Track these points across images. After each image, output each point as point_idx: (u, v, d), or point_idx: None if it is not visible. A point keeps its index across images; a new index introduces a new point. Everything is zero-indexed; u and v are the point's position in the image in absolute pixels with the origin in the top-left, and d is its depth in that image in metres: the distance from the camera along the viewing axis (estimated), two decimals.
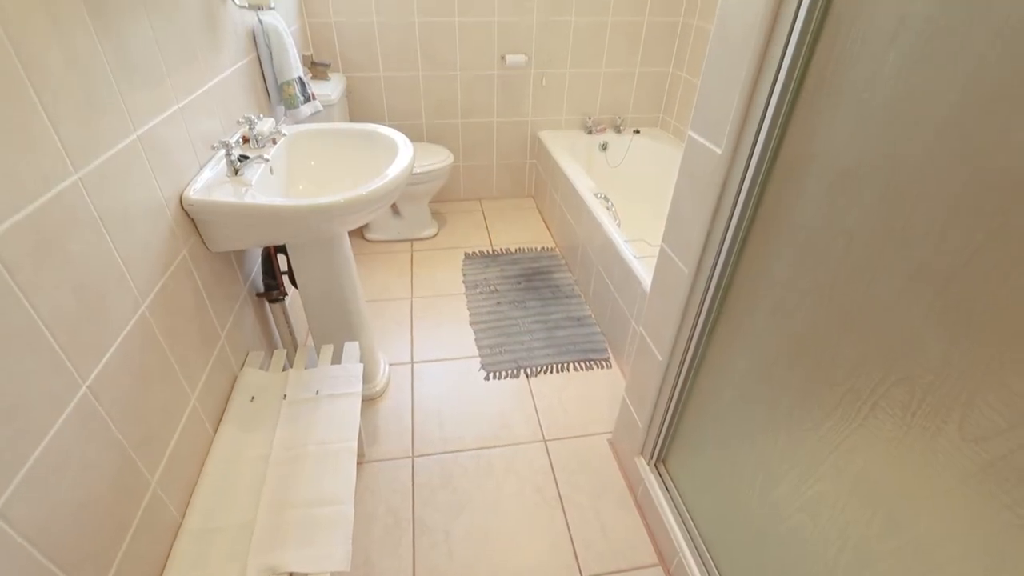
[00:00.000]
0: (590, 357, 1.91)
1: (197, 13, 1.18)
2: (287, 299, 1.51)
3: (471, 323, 2.07)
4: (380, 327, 2.04)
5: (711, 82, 0.88)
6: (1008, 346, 0.51)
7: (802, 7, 0.67)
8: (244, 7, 1.44)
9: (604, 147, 2.77)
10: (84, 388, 0.73)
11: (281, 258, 1.45)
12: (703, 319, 1.02)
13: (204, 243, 1.13)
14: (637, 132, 2.78)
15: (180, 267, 1.02)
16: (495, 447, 1.57)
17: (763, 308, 0.86)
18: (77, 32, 0.77)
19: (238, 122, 1.33)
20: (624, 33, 2.58)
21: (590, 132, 2.76)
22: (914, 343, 0.60)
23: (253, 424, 1.15)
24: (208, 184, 1.10)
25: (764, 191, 0.82)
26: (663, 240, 1.13)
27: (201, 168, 1.14)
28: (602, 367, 1.88)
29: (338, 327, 1.53)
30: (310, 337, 1.90)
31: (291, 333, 1.57)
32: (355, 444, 1.11)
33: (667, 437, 1.27)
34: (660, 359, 1.19)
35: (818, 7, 0.66)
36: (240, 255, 1.35)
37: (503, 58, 2.54)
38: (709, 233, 0.96)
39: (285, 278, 1.48)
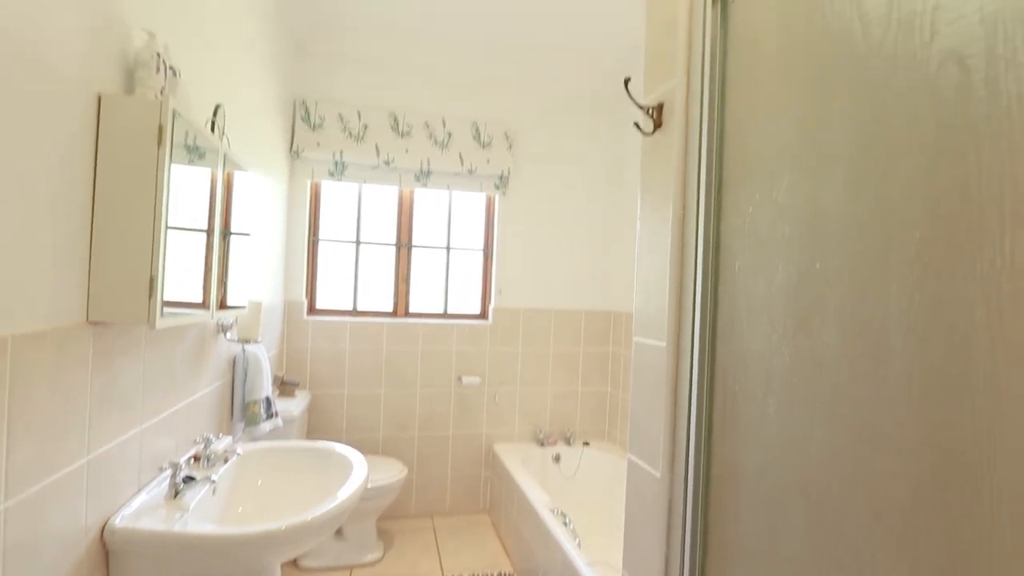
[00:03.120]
0: None
1: (192, 348, 1.34)
2: None
3: None
4: None
5: (639, 414, 1.02)
6: None
7: (695, 360, 0.86)
8: (234, 340, 1.64)
9: (557, 459, 2.82)
10: None
11: None
12: None
13: None
14: (587, 444, 2.89)
15: None
16: None
17: None
18: (75, 371, 0.85)
19: (195, 441, 1.34)
20: (564, 360, 2.99)
21: (542, 444, 2.86)
22: None
23: None
24: (139, 510, 1.03)
25: (708, 515, 0.85)
26: (624, 567, 1.07)
27: (139, 490, 1.09)
28: None
29: None
30: None
31: None
32: None
33: None
34: None
35: (707, 361, 0.85)
36: None
37: (459, 379, 2.82)
38: (667, 561, 0.93)
39: None
